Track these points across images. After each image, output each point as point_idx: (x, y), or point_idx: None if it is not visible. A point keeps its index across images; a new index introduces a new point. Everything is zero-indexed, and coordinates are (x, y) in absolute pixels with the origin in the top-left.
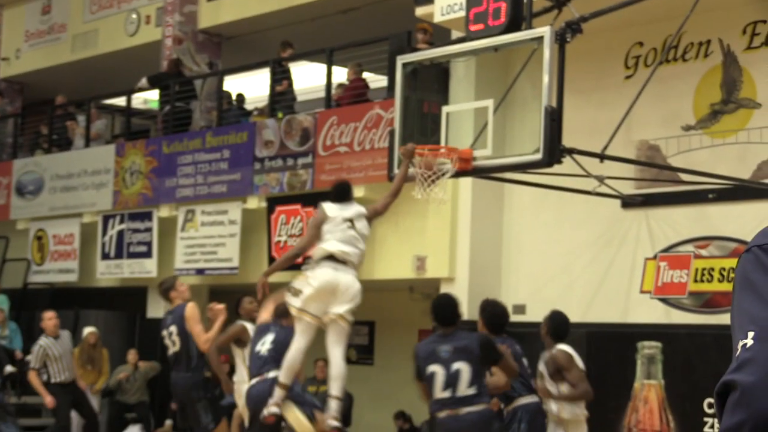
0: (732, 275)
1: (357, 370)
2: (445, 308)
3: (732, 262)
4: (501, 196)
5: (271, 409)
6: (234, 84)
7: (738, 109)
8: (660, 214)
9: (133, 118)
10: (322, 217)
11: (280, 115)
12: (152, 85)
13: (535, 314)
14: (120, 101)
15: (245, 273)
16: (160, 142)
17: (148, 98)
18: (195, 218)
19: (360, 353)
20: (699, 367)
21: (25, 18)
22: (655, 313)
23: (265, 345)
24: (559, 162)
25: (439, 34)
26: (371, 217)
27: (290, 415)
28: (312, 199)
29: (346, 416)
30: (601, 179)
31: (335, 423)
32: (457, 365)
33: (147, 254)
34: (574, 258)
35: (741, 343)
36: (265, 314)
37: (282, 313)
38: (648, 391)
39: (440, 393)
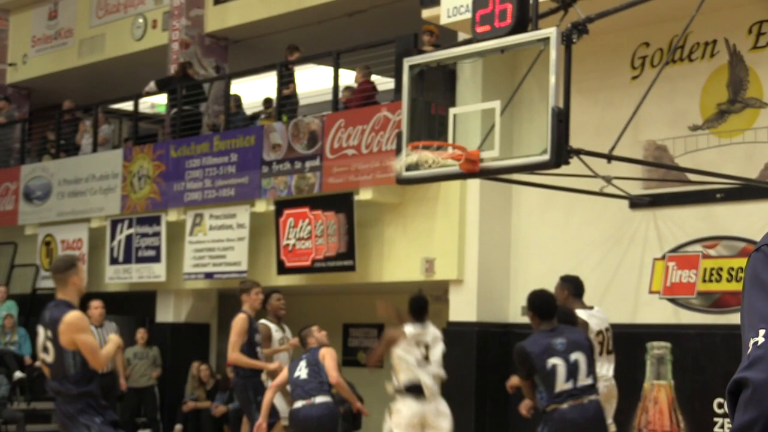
0: (741, 275)
1: (366, 373)
2: (547, 302)
3: (740, 262)
4: (509, 197)
5: None
6: (241, 88)
7: (744, 108)
8: (668, 214)
9: (140, 123)
10: None
11: (284, 118)
12: (160, 88)
13: None
14: (127, 105)
15: (254, 276)
16: (167, 146)
17: (155, 102)
18: (203, 222)
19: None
20: (708, 367)
21: (31, 23)
22: (664, 313)
23: (301, 370)
24: (567, 163)
25: (446, 36)
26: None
27: None
28: (320, 202)
29: (355, 419)
30: (608, 180)
31: None
32: (575, 356)
33: (156, 258)
34: (582, 259)
35: (752, 341)
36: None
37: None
38: (658, 392)
39: (562, 385)
